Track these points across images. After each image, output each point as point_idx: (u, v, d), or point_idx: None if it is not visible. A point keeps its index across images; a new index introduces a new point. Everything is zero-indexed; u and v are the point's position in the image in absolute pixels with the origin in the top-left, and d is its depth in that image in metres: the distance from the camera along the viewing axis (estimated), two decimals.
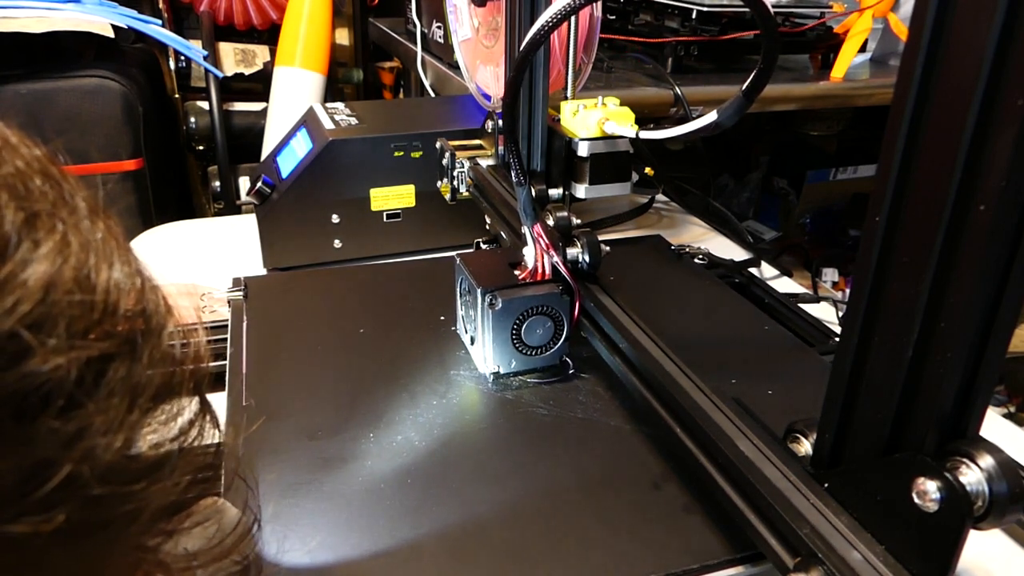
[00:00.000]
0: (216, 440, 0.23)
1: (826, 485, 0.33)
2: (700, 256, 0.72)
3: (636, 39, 1.05)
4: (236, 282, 0.63)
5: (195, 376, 0.22)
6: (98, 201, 0.20)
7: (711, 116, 0.44)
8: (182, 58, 1.60)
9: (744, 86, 0.41)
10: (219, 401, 0.50)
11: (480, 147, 0.72)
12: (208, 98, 1.46)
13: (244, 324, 0.58)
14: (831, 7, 1.06)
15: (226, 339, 0.57)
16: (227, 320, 0.59)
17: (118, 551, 0.20)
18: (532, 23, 0.42)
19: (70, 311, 0.17)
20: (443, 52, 1.13)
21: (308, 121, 0.78)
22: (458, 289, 0.56)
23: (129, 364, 0.19)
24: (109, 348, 0.18)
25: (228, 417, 0.48)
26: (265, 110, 1.52)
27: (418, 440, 0.47)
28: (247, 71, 1.63)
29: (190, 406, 0.22)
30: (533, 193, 0.59)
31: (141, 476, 0.19)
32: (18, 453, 0.16)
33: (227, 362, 0.54)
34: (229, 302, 0.61)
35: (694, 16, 0.99)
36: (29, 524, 0.16)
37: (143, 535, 0.20)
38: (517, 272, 0.53)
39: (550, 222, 0.53)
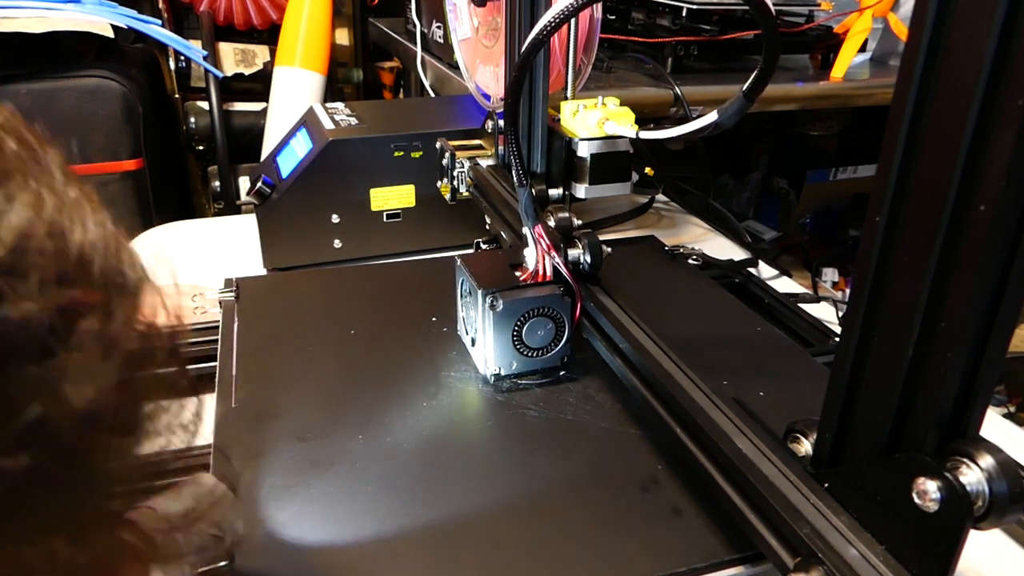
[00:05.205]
0: (194, 409, 0.23)
1: (826, 485, 0.33)
2: (694, 256, 0.72)
3: (636, 39, 1.05)
4: (228, 283, 0.63)
5: (172, 343, 0.22)
6: (72, 168, 0.20)
7: (711, 116, 0.44)
8: (182, 58, 1.60)
9: (745, 87, 0.41)
10: (208, 403, 0.50)
11: (480, 147, 0.72)
12: (208, 98, 1.46)
13: (235, 325, 0.58)
14: (819, 5, 1.06)
15: (217, 340, 0.56)
16: (218, 321, 0.59)
17: (97, 506, 0.20)
18: (532, 24, 0.42)
19: (42, 261, 0.18)
20: (443, 52, 1.13)
21: (308, 121, 0.78)
22: (459, 290, 0.56)
23: (102, 318, 0.19)
24: (82, 298, 0.18)
25: (217, 419, 0.48)
26: (265, 110, 1.52)
27: (407, 442, 0.46)
28: (247, 71, 1.63)
29: (167, 371, 0.22)
30: (534, 194, 0.59)
31: (116, 430, 0.20)
32: None
33: (217, 363, 0.53)
34: (220, 303, 0.61)
35: (684, 14, 0.98)
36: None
37: (122, 492, 0.21)
38: (518, 273, 0.53)
39: (551, 223, 0.53)
